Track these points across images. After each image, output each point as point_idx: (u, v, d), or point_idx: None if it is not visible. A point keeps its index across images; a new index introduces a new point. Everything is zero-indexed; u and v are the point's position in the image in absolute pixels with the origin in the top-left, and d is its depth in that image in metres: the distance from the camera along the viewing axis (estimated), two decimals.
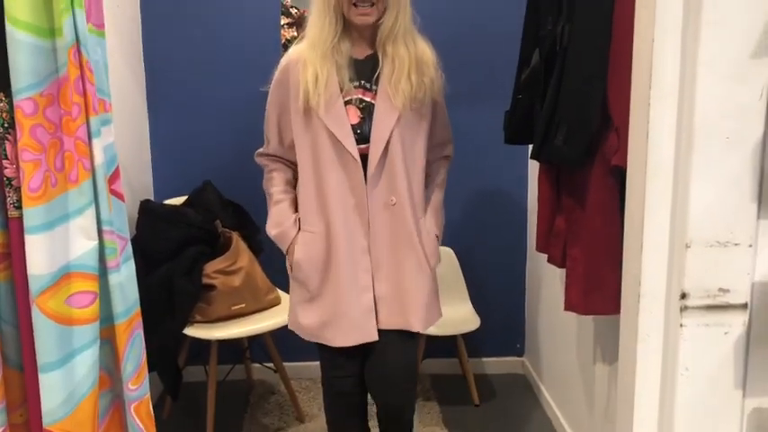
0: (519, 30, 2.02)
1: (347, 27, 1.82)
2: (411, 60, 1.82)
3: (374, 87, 1.84)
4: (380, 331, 1.87)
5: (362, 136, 1.82)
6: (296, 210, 1.94)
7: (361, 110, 1.83)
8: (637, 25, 1.15)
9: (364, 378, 1.95)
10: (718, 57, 1.07)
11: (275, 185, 1.98)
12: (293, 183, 1.98)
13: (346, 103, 1.82)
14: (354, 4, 1.76)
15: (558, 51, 1.73)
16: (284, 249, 1.94)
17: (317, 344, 1.94)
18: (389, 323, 1.87)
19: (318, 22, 1.81)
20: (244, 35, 2.82)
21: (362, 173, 1.82)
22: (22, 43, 1.35)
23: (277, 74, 1.91)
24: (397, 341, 1.88)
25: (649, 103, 1.12)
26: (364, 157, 1.82)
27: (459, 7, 2.82)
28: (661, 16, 1.09)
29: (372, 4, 1.77)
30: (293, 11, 3.33)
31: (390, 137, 1.81)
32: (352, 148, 1.80)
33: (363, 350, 1.91)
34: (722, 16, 1.06)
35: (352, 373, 1.94)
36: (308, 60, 1.80)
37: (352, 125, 1.81)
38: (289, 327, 2.02)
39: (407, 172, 1.85)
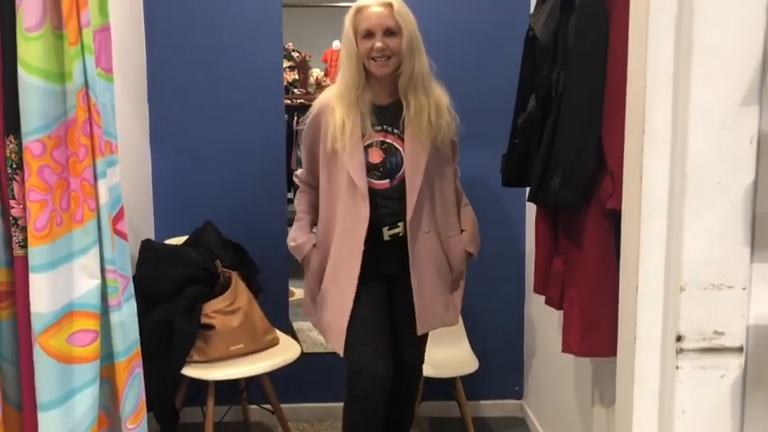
0: (516, 73, 2.08)
1: (370, 78, 2.07)
2: (431, 106, 2.06)
3: (395, 131, 2.09)
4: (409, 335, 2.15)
5: (384, 173, 2.08)
6: (311, 230, 2.24)
7: (384, 150, 2.08)
8: (629, 74, 1.19)
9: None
10: (708, 104, 1.10)
11: (300, 205, 2.25)
12: (316, 205, 2.23)
13: (369, 145, 2.07)
14: (373, 58, 2.01)
15: (553, 97, 1.77)
16: (299, 260, 2.23)
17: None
18: (427, 327, 2.17)
19: (346, 74, 2.05)
20: (246, 78, 2.88)
21: (368, 210, 2.03)
22: (33, 87, 1.39)
23: (311, 116, 2.16)
24: (421, 341, 2.22)
25: (642, 148, 1.14)
26: (382, 192, 2.08)
27: (457, 51, 2.88)
28: (652, 65, 1.12)
29: (389, 57, 2.01)
30: (295, 54, 3.40)
31: (424, 178, 2.06)
32: (364, 188, 2.04)
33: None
34: (712, 65, 1.09)
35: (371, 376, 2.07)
36: (336, 109, 2.04)
37: (375, 164, 2.07)
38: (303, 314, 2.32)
39: (436, 203, 2.12)
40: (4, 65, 1.43)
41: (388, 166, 2.08)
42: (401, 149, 2.09)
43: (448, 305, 2.22)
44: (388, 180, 2.09)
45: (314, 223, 2.25)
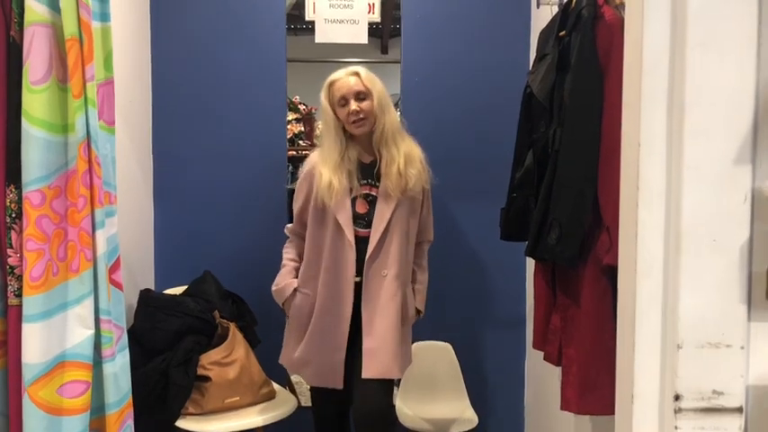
0: (514, 129, 2.11)
1: (353, 139, 2.27)
2: (400, 156, 2.23)
3: (377, 184, 2.26)
4: (365, 379, 2.19)
5: (368, 222, 2.24)
6: (296, 276, 2.35)
7: (369, 202, 2.27)
8: (623, 131, 1.20)
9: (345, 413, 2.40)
10: (702, 162, 1.11)
11: (287, 254, 2.40)
12: (302, 254, 2.36)
13: (356, 198, 2.25)
14: (353, 122, 2.22)
15: (550, 153, 1.79)
16: (280, 304, 2.38)
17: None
18: (373, 372, 2.19)
19: (327, 139, 2.27)
20: (251, 130, 2.91)
21: (355, 255, 2.21)
22: (35, 138, 1.41)
23: (302, 175, 2.35)
24: (377, 387, 2.22)
25: (637, 204, 1.15)
26: (365, 239, 2.23)
27: (457, 106, 2.92)
28: (646, 123, 1.14)
29: (364, 118, 2.21)
30: (301, 107, 3.45)
31: (389, 222, 2.22)
32: (351, 236, 2.21)
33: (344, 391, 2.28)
34: (704, 124, 1.10)
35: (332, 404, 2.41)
36: (323, 172, 2.22)
37: (360, 214, 2.25)
38: (279, 361, 2.43)
39: (399, 250, 2.23)
40: (8, 116, 1.46)
41: (372, 216, 2.24)
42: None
43: (396, 355, 2.23)
44: (371, 229, 2.24)
45: (298, 270, 2.36)
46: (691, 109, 1.11)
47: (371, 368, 2.20)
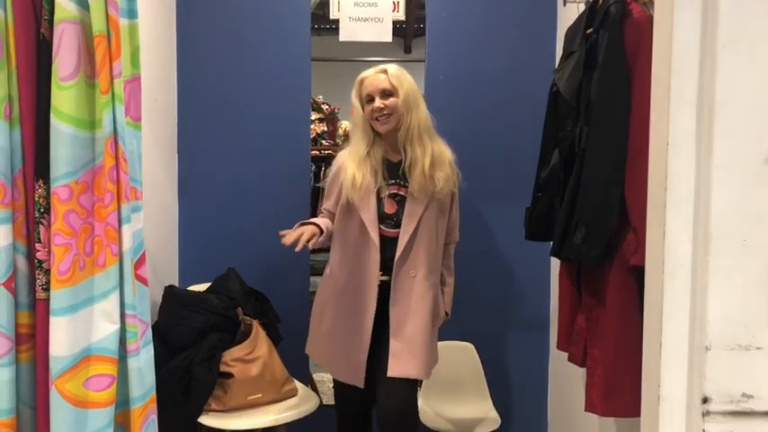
0: (540, 128, 2.09)
1: (380, 137, 2.29)
2: (425, 157, 2.21)
3: (405, 183, 2.26)
4: (389, 378, 2.19)
5: (397, 222, 2.24)
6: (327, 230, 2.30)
7: (397, 202, 2.26)
8: (652, 131, 1.18)
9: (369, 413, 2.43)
10: (732, 161, 1.09)
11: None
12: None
13: (383, 197, 2.25)
14: (376, 118, 2.23)
15: (576, 152, 1.77)
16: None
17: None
18: (399, 372, 2.19)
19: (355, 136, 2.31)
20: (275, 128, 2.92)
21: (379, 254, 2.21)
22: (64, 134, 1.43)
23: (334, 168, 2.38)
24: (402, 386, 2.21)
25: (665, 205, 1.13)
26: (393, 239, 2.22)
27: (482, 105, 2.90)
28: (675, 122, 1.12)
29: (388, 115, 2.22)
30: (325, 107, 3.46)
31: (418, 223, 2.21)
32: (375, 235, 2.21)
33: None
34: (735, 122, 1.09)
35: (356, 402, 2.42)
36: (348, 166, 2.24)
37: (389, 214, 2.25)
38: (306, 350, 2.47)
39: (428, 251, 2.23)
40: (38, 112, 1.48)
41: (401, 216, 2.24)
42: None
43: (424, 356, 2.22)
44: (399, 229, 2.23)
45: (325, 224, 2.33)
46: (721, 108, 1.09)
47: (397, 368, 2.20)
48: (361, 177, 2.21)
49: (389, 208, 2.25)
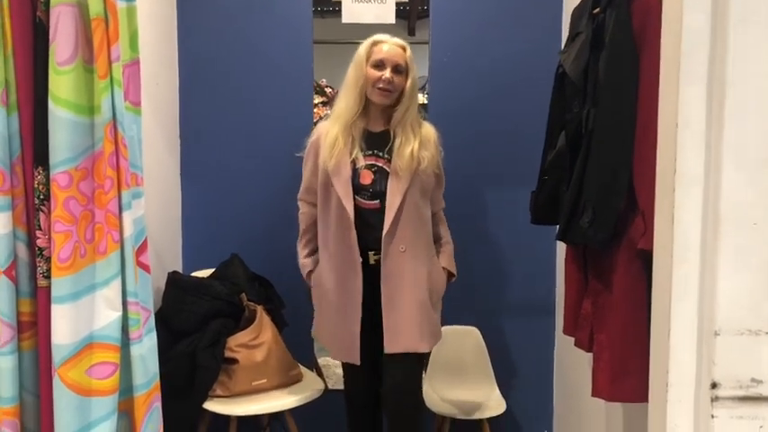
0: (545, 111, 2.06)
1: (366, 107, 2.25)
2: (416, 141, 2.22)
3: (385, 156, 2.24)
4: (388, 354, 2.21)
5: (374, 193, 2.22)
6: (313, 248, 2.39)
7: (374, 173, 2.22)
8: (661, 112, 1.16)
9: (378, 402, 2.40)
10: (742, 144, 1.07)
11: (301, 222, 2.43)
12: (315, 220, 2.37)
13: (360, 168, 2.21)
14: (378, 88, 2.19)
15: (583, 135, 1.74)
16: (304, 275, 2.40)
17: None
18: (395, 348, 2.21)
19: (345, 100, 2.25)
20: (278, 112, 2.90)
21: (353, 223, 2.18)
22: (62, 120, 1.41)
23: (311, 140, 2.34)
24: (405, 365, 2.25)
25: (674, 188, 1.11)
26: (373, 212, 2.21)
27: (486, 88, 2.87)
28: (684, 102, 1.09)
29: (391, 91, 2.20)
30: (328, 90, 3.43)
31: (403, 199, 2.18)
32: (349, 205, 2.18)
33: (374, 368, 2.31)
34: (746, 103, 1.06)
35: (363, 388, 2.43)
36: (331, 129, 2.23)
37: (365, 185, 2.21)
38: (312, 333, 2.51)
39: (414, 227, 2.22)
40: (36, 98, 1.46)
41: (378, 188, 2.21)
42: (388, 171, 2.23)
43: (422, 328, 2.23)
44: (378, 201, 2.21)
45: (311, 242, 2.40)
46: (731, 88, 1.07)
47: (392, 344, 2.20)
48: (342, 143, 2.20)
49: (366, 178, 2.22)
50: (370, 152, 2.24)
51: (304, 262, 2.38)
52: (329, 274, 2.27)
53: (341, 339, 2.27)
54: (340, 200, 2.18)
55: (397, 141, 2.21)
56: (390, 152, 2.23)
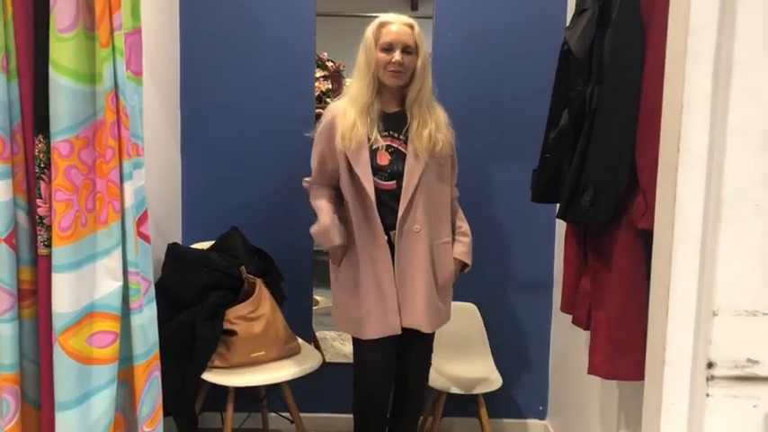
0: (549, 88, 2.05)
1: (380, 89, 2.23)
2: (432, 122, 2.22)
3: (401, 137, 2.23)
4: (405, 332, 2.24)
5: (391, 174, 2.21)
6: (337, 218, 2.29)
7: (390, 153, 2.22)
8: (666, 92, 1.15)
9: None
10: (747, 125, 1.07)
11: (318, 198, 2.32)
12: (333, 196, 2.32)
13: (378, 149, 2.20)
14: (390, 70, 2.18)
15: (586, 113, 1.74)
16: (325, 247, 2.32)
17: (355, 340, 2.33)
18: (405, 323, 2.24)
19: (358, 83, 2.23)
20: (279, 86, 2.88)
21: (375, 206, 2.18)
22: (63, 88, 1.40)
23: (324, 121, 2.28)
24: (419, 340, 2.31)
25: (677, 168, 1.11)
26: (390, 192, 2.21)
27: (491, 64, 2.85)
28: (690, 82, 1.09)
29: (403, 72, 2.18)
30: (329, 64, 3.40)
31: (419, 180, 2.19)
32: (369, 185, 2.17)
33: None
34: (752, 86, 1.06)
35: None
36: (348, 111, 2.20)
37: (382, 165, 2.21)
38: (338, 325, 2.38)
39: (428, 208, 2.23)
40: (37, 65, 1.45)
41: (395, 168, 2.21)
42: (405, 152, 2.23)
43: (429, 310, 2.25)
44: (394, 181, 2.21)
45: (334, 212, 2.30)
46: (739, 67, 1.06)
47: (404, 318, 2.23)
48: (360, 125, 2.17)
49: (383, 159, 2.21)
50: (387, 133, 2.23)
51: (332, 225, 2.25)
52: (358, 253, 2.24)
53: (380, 316, 2.23)
54: (361, 181, 2.18)
55: (414, 123, 2.21)
56: (407, 133, 2.23)
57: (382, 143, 2.21)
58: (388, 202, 2.21)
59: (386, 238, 2.20)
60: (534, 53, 2.80)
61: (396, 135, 2.23)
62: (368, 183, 2.18)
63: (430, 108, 2.24)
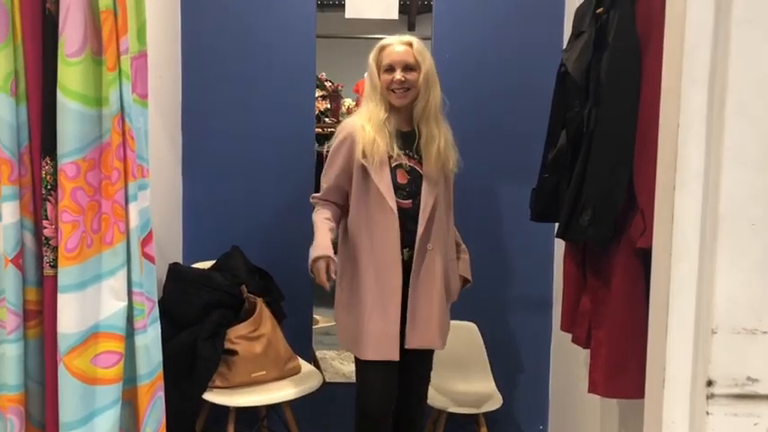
0: (547, 109, 2.08)
1: (391, 107, 2.25)
2: (440, 137, 2.25)
3: (415, 156, 2.27)
4: (409, 350, 2.23)
5: (409, 193, 2.24)
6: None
7: (408, 173, 2.25)
8: (662, 111, 1.17)
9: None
10: (742, 143, 1.08)
11: (319, 215, 2.28)
12: (335, 217, 2.30)
13: (397, 166, 2.23)
14: (393, 90, 2.21)
15: (584, 133, 1.76)
16: (310, 260, 2.19)
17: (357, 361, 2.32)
18: (416, 344, 2.24)
19: (371, 102, 2.26)
20: (279, 106, 2.91)
21: (398, 222, 2.18)
22: (71, 111, 1.42)
23: (340, 138, 2.27)
24: (423, 357, 2.35)
25: (674, 187, 1.12)
26: (406, 211, 2.22)
27: (489, 84, 2.89)
28: (686, 103, 1.11)
29: (407, 90, 2.21)
30: (328, 84, 3.44)
31: (435, 199, 2.23)
32: (392, 203, 2.18)
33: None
34: (747, 104, 1.08)
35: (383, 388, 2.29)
36: (367, 129, 2.21)
37: (401, 184, 2.23)
38: (340, 343, 2.41)
39: (440, 226, 2.26)
40: (45, 88, 1.47)
41: (413, 188, 2.23)
42: (421, 172, 2.25)
43: (441, 327, 2.28)
44: (411, 200, 2.24)
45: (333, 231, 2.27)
46: (733, 89, 1.08)
47: (415, 340, 2.23)
48: (381, 141, 2.18)
49: (402, 178, 2.23)
50: (403, 152, 2.25)
51: (326, 245, 2.19)
52: (366, 272, 2.21)
53: (379, 336, 2.20)
54: (382, 199, 2.18)
55: (423, 139, 2.24)
56: (419, 150, 2.26)
57: (401, 161, 2.23)
58: (404, 220, 2.21)
59: (401, 257, 2.20)
60: (532, 74, 2.83)
61: (411, 154, 2.26)
62: (392, 200, 2.18)
63: (438, 123, 2.26)
